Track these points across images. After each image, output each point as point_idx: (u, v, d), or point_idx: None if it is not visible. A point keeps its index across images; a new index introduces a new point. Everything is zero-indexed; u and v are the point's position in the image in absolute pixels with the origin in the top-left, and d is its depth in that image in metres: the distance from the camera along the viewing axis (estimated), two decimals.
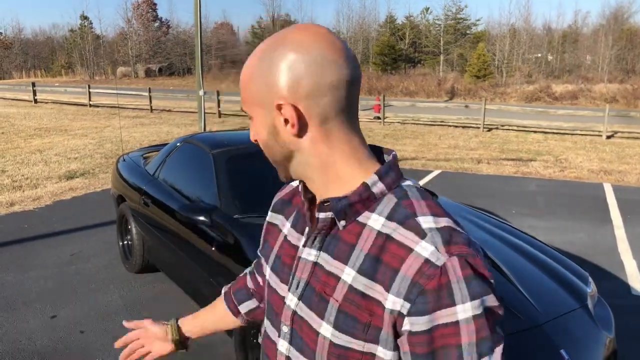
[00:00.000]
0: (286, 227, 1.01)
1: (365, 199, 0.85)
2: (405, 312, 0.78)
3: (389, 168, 0.88)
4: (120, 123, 15.52)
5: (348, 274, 0.83)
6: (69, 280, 4.46)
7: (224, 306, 1.27)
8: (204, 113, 14.98)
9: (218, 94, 18.70)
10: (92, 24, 54.80)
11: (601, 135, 14.30)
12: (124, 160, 5.11)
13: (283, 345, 0.94)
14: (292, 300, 0.92)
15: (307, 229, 0.93)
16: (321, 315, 0.85)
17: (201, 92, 14.86)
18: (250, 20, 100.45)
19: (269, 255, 1.03)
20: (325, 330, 0.85)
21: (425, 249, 0.78)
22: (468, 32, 48.75)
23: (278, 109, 0.84)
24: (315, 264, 0.89)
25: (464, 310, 0.76)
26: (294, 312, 0.91)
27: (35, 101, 22.06)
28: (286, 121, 0.85)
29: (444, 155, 11.53)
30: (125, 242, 4.77)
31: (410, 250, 0.79)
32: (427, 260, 0.77)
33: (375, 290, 0.80)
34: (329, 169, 0.87)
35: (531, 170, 9.86)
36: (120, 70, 46.20)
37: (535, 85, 30.36)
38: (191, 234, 3.43)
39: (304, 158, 0.87)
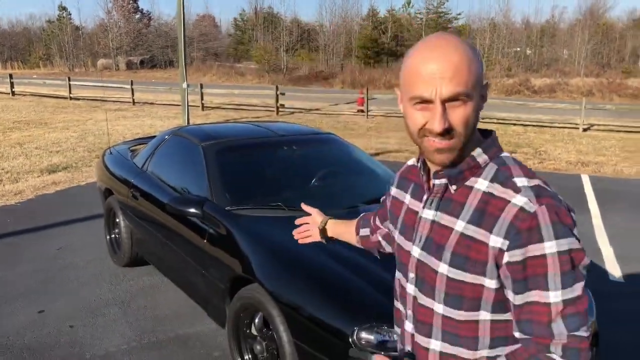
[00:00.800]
0: (407, 199, 1.30)
1: (472, 167, 1.12)
2: (505, 248, 1.04)
3: (491, 143, 1.15)
4: (105, 116, 15.34)
5: (459, 225, 1.10)
6: (56, 275, 4.45)
7: (352, 225, 1.69)
8: (188, 106, 14.89)
9: (201, 86, 18.58)
10: (70, 14, 53.84)
11: (578, 128, 14.58)
12: (111, 153, 5.09)
13: (411, 288, 1.23)
14: (416, 251, 1.21)
15: (425, 196, 1.20)
16: (439, 258, 1.13)
17: (185, 85, 14.75)
18: (233, 12, 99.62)
19: (396, 222, 1.32)
20: (443, 268, 1.12)
21: (520, 200, 1.04)
22: (449, 25, 49.02)
23: (487, 87, 1.13)
24: (433, 221, 1.17)
25: (550, 247, 1.01)
26: (418, 260, 1.20)
27: (13, 93, 21.64)
28: (484, 96, 1.12)
29: None
30: (113, 236, 4.77)
31: (508, 202, 1.05)
32: (521, 209, 1.03)
33: (481, 234, 1.07)
34: (474, 136, 1.12)
35: None
36: (101, 63, 45.43)
37: (514, 78, 30.72)
38: (182, 226, 3.45)
39: (475, 129, 1.12)
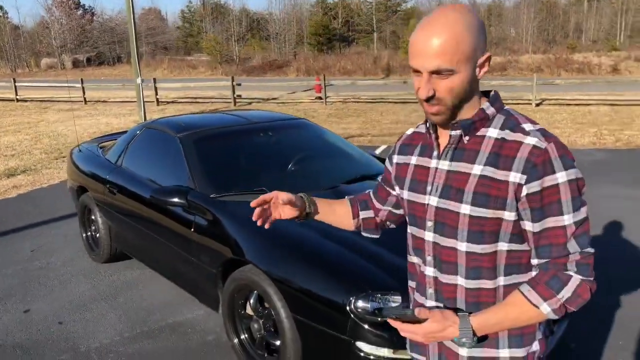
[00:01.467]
0: (414, 159, 1.42)
1: (483, 119, 1.28)
2: (523, 182, 1.20)
3: (496, 98, 1.32)
4: (58, 116, 14.88)
5: (477, 169, 1.25)
6: (34, 275, 4.40)
7: (346, 208, 1.66)
8: (143, 102, 14.63)
9: (155, 81, 18.24)
10: (7, 13, 51.46)
11: (531, 103, 15.15)
12: (80, 150, 5.03)
13: (429, 235, 1.36)
14: (433, 200, 1.33)
15: (435, 152, 1.34)
16: (460, 200, 1.27)
17: (139, 80, 14.47)
18: (179, 5, 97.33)
19: (403, 183, 1.44)
20: (465, 209, 1.26)
21: (531, 140, 1.21)
22: (399, 9, 49.59)
23: (487, 59, 1.24)
24: (449, 170, 1.30)
25: (562, 177, 1.19)
26: (437, 208, 1.32)
27: None
28: (480, 67, 1.23)
29: (388, 130, 11.88)
30: (89, 233, 4.74)
31: (521, 143, 1.22)
32: (534, 146, 1.20)
33: (499, 173, 1.22)
34: (469, 100, 1.26)
35: None
36: (45, 62, 43.70)
37: None
38: (165, 217, 3.49)
39: (472, 94, 1.26)
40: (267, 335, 2.86)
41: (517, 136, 1.22)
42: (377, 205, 1.63)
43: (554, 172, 1.18)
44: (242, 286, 2.90)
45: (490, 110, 1.28)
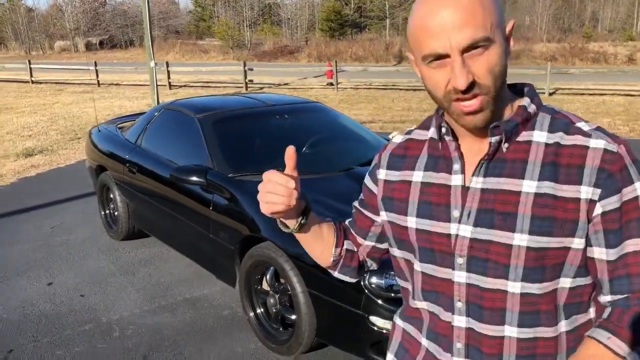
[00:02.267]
0: (417, 176, 1.08)
1: (525, 119, 0.99)
2: (596, 197, 0.93)
3: (534, 92, 1.04)
4: (72, 98, 15.07)
5: (529, 185, 0.95)
6: (56, 251, 4.55)
7: (331, 232, 1.23)
8: (157, 85, 14.74)
9: (167, 65, 18.34)
10: None
11: (544, 92, 15.07)
12: (99, 131, 5.15)
13: (461, 276, 1.02)
14: (465, 230, 1.00)
15: (456, 166, 1.02)
16: (511, 229, 0.95)
17: (152, 64, 14.56)
18: None
19: (404, 207, 1.09)
20: (520, 239, 0.95)
21: (598, 143, 0.94)
22: None
23: (512, 26, 0.96)
24: (484, 190, 0.99)
25: (639, 187, 0.94)
26: (473, 240, 0.99)
27: None
28: (508, 38, 0.96)
29: (399, 117, 11.92)
30: (108, 211, 4.87)
31: (587, 147, 0.94)
32: (605, 150, 0.94)
33: (563, 189, 0.94)
34: (504, 91, 0.97)
35: None
36: (58, 45, 43.95)
37: None
38: (184, 196, 3.60)
39: (506, 82, 0.97)
40: (283, 309, 2.97)
41: (577, 139, 0.96)
42: (358, 239, 1.24)
43: (632, 182, 0.94)
44: (259, 262, 3.01)
45: (532, 108, 1.00)
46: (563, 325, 1.01)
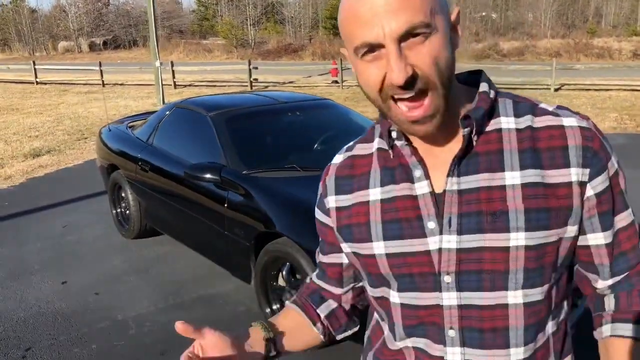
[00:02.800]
0: (374, 194, 0.92)
1: (490, 107, 0.87)
2: (586, 179, 0.84)
3: (488, 78, 0.92)
4: (77, 98, 15.11)
5: (512, 177, 0.84)
6: (68, 250, 4.56)
7: (298, 317, 1.06)
8: (162, 84, 14.77)
9: (172, 64, 18.36)
10: None
11: (549, 88, 15.03)
12: (110, 130, 5.16)
13: (450, 297, 0.87)
14: (449, 242, 0.85)
15: (417, 172, 0.87)
16: (505, 229, 0.83)
17: (157, 63, 14.60)
18: None
19: (367, 232, 0.92)
20: (517, 239, 0.83)
21: (571, 121, 0.86)
22: None
23: (457, 14, 0.84)
24: (460, 191, 0.85)
25: (615, 160, 0.88)
26: (459, 251, 0.85)
27: None
28: (454, 27, 0.84)
29: None
30: (120, 210, 4.89)
31: (562, 126, 0.85)
32: (581, 127, 0.85)
33: (551, 175, 0.84)
34: (453, 82, 0.84)
35: None
36: (62, 45, 44.08)
37: (483, 43, 31.14)
38: (198, 193, 3.60)
39: (454, 72, 0.84)
40: None
41: (549, 119, 0.86)
42: (335, 290, 1.07)
43: (610, 156, 0.87)
44: (274, 258, 3.01)
45: (492, 94, 0.89)
46: (550, 327, 0.90)
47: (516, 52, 28.40)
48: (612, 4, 44.86)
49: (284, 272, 3.03)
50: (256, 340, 0.97)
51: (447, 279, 0.86)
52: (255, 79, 18.25)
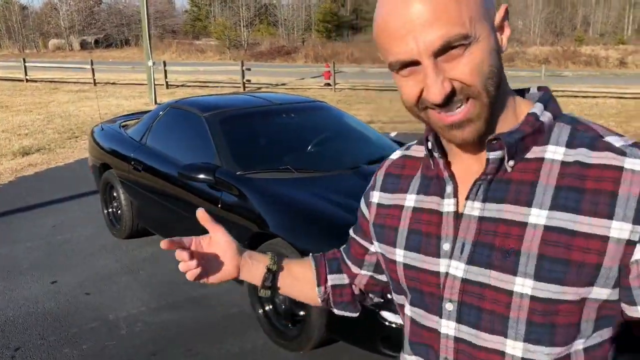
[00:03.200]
0: (410, 200, 0.90)
1: (536, 131, 0.78)
2: (636, 238, 0.70)
3: (549, 97, 0.82)
4: (68, 96, 15.00)
5: (537, 215, 0.74)
6: (58, 249, 4.53)
7: (308, 271, 1.08)
8: (154, 84, 14.71)
9: (165, 64, 18.30)
10: None
11: None
12: (102, 129, 5.14)
13: (448, 326, 0.82)
14: (456, 269, 0.80)
15: (448, 188, 0.83)
16: (512, 271, 0.75)
17: (150, 63, 14.56)
18: None
19: (393, 237, 0.91)
20: (522, 286, 0.75)
21: (636, 164, 0.72)
22: None
23: (505, 12, 0.79)
24: (482, 218, 0.78)
25: None
26: (464, 281, 0.80)
27: None
28: (500, 29, 0.78)
29: (398, 117, 11.95)
30: (111, 210, 4.86)
31: (620, 168, 0.72)
32: None
33: (584, 223, 0.72)
34: (502, 96, 0.78)
35: None
36: (53, 43, 43.74)
37: None
38: (192, 193, 3.60)
39: (502, 84, 0.77)
40: (292, 306, 2.98)
41: (607, 157, 0.73)
42: (353, 268, 1.07)
43: None
44: None
45: (546, 117, 0.79)
46: None
47: (506, 58, 28.54)
48: (600, 13, 45.44)
49: None
50: (260, 264, 1.04)
51: (449, 306, 0.82)
52: (248, 81, 18.24)
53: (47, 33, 46.46)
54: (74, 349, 3.07)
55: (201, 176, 3.35)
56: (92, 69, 19.12)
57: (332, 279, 1.08)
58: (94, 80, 19.17)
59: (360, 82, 17.87)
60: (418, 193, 0.89)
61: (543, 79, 15.06)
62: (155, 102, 14.20)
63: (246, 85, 17.99)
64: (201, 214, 0.99)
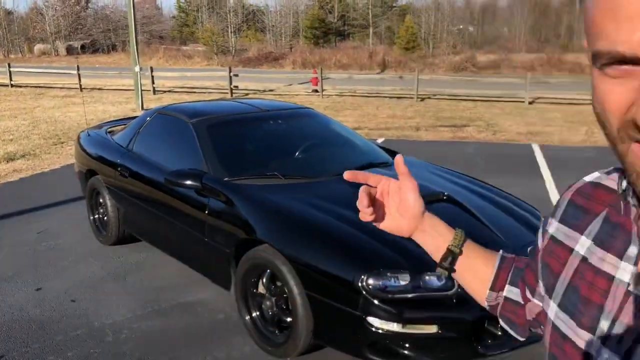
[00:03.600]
0: (582, 245, 0.69)
1: None
2: None
3: None
4: (54, 102, 14.88)
5: None
6: (43, 256, 4.49)
7: (489, 268, 0.93)
8: (141, 90, 14.66)
9: (152, 70, 18.24)
10: None
11: (524, 101, 15.36)
12: (89, 135, 5.11)
13: None
14: (609, 354, 0.61)
15: (632, 249, 0.62)
16: None
17: (137, 69, 14.50)
18: None
19: (552, 285, 0.73)
20: None
21: None
22: (394, 4, 49.68)
23: None
24: None
25: None
26: None
27: None
28: None
29: (385, 124, 12.04)
30: (97, 216, 4.84)
31: None
32: None
33: None
34: None
35: (467, 135, 10.56)
36: (38, 48, 43.32)
37: (461, 55, 31.68)
38: (179, 200, 3.60)
39: None
40: (279, 312, 2.99)
41: None
42: (527, 292, 0.86)
43: None
44: (255, 265, 3.03)
45: None
46: None
47: (492, 65, 28.96)
48: (583, 22, 46.12)
49: (264, 279, 3.05)
50: (441, 238, 0.93)
51: None
52: (236, 87, 18.24)
53: (32, 38, 46.03)
54: (58, 357, 3.05)
55: (188, 182, 3.35)
56: (79, 74, 18.98)
57: (509, 291, 0.91)
58: (80, 85, 19.03)
59: (348, 88, 17.96)
60: (594, 240, 0.68)
61: (528, 86, 15.24)
62: (142, 108, 14.13)
63: (234, 91, 17.98)
64: (399, 159, 0.88)
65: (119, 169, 4.26)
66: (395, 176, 0.92)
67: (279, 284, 2.97)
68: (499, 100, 15.87)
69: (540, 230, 0.82)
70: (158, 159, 3.99)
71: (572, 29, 45.99)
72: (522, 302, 0.88)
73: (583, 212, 0.72)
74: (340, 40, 45.22)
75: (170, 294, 3.79)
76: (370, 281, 2.54)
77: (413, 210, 0.91)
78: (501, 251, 0.97)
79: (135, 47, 14.61)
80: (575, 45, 39.59)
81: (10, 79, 19.75)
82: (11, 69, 19.97)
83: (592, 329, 0.64)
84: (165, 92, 18.38)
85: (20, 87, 19.70)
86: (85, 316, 3.50)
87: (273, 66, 32.65)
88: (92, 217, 4.87)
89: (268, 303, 3.04)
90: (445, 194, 3.23)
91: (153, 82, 18.08)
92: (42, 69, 22.14)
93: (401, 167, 0.89)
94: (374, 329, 2.51)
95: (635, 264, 0.61)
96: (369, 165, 3.73)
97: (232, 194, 3.24)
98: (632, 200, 0.62)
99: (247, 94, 17.94)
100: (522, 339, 0.94)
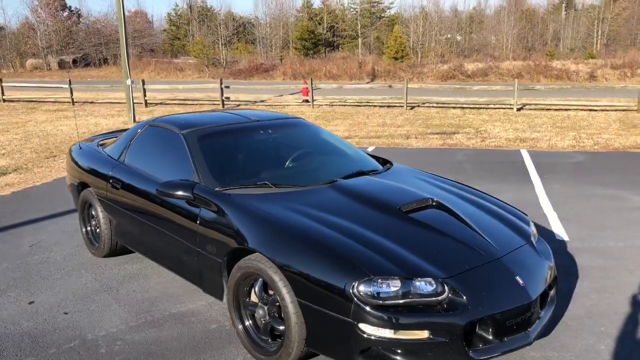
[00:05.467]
0: None
1: None
2: None
3: None
4: (46, 116, 14.83)
5: None
6: (35, 269, 4.49)
7: None
8: (133, 103, 14.68)
9: (143, 82, 18.27)
10: None
11: (512, 108, 15.51)
12: (80, 148, 5.13)
13: None
14: None
15: None
16: None
17: (129, 82, 14.53)
18: (165, 8, 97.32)
19: None
20: None
21: None
22: (383, 15, 50.11)
23: None
24: None
25: None
26: None
27: None
28: None
29: (375, 132, 12.11)
30: (90, 228, 4.84)
31: None
32: None
33: None
34: None
35: (456, 142, 10.65)
36: (30, 63, 43.22)
37: (449, 64, 31.93)
38: (171, 210, 3.62)
39: None
40: (272, 321, 3.01)
41: None
42: None
43: None
44: (248, 274, 3.05)
45: None
46: None
47: (480, 73, 29.21)
48: (569, 29, 46.62)
49: (256, 289, 3.07)
50: None
51: None
52: (227, 98, 18.30)
53: (24, 53, 45.93)
54: None
55: (179, 193, 3.38)
56: (70, 88, 18.98)
57: None
58: (72, 99, 19.03)
59: (338, 98, 18.06)
60: None
61: (516, 93, 15.39)
62: (134, 121, 14.15)
63: (225, 102, 18.04)
64: None
65: (111, 181, 4.28)
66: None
67: (271, 292, 2.99)
68: (487, 108, 16.03)
69: None
70: (150, 171, 4.01)
71: (559, 35, 46.54)
72: None
73: None
74: (329, 51, 45.50)
75: (163, 305, 3.80)
76: (362, 288, 2.57)
77: None
78: None
79: (126, 60, 14.65)
80: (562, 52, 40.06)
81: (2, 94, 19.73)
82: (3, 84, 19.95)
83: None
84: (157, 104, 18.41)
85: (13, 101, 19.67)
86: (78, 328, 3.50)
87: (264, 77, 32.76)
88: (84, 230, 4.87)
89: (261, 312, 3.06)
90: (435, 200, 3.27)
91: (145, 95, 18.11)
92: (34, 84, 22.12)
93: None
94: (366, 336, 2.54)
95: None
96: (359, 173, 3.77)
97: (223, 203, 3.27)
98: None
99: (238, 105, 18.01)
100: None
